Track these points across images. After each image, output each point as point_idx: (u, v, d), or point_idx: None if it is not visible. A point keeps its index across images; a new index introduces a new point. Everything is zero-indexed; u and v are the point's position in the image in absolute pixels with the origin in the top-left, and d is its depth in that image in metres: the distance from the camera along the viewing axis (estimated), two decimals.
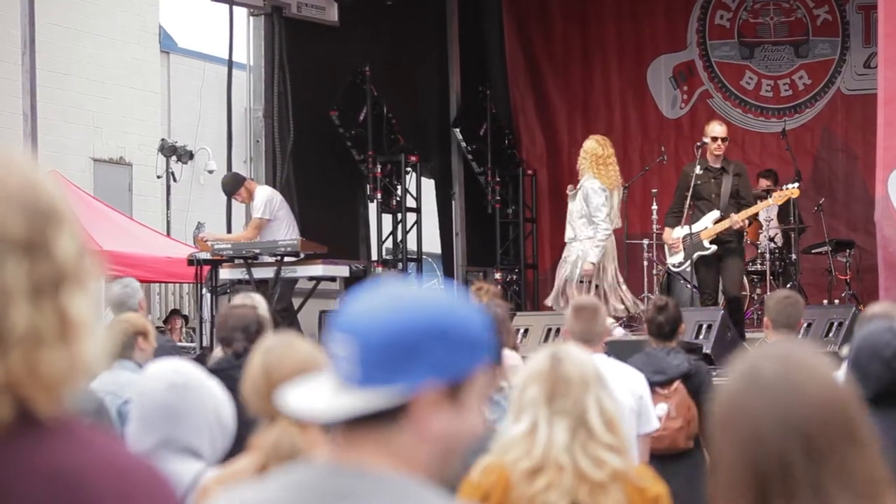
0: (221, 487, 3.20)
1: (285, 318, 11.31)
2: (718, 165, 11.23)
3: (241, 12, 13.83)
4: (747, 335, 11.04)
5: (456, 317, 1.81)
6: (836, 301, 13.00)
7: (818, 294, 13.57)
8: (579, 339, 5.90)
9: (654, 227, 12.87)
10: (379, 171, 14.12)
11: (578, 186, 11.74)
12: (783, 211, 13.24)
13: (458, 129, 15.69)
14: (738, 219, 11.03)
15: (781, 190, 11.95)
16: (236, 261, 11.66)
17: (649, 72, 15.93)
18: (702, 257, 11.26)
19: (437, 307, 1.81)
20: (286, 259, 11.42)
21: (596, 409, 3.61)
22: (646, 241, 13.02)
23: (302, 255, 11.43)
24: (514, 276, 15.38)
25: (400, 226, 14.44)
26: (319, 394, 1.81)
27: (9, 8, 15.42)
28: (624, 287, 11.70)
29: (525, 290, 15.25)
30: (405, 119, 14.71)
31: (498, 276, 15.02)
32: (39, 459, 1.44)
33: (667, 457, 6.68)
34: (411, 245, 14.51)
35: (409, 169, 14.39)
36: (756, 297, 12.54)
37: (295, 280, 11.69)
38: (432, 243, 15.91)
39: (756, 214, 11.85)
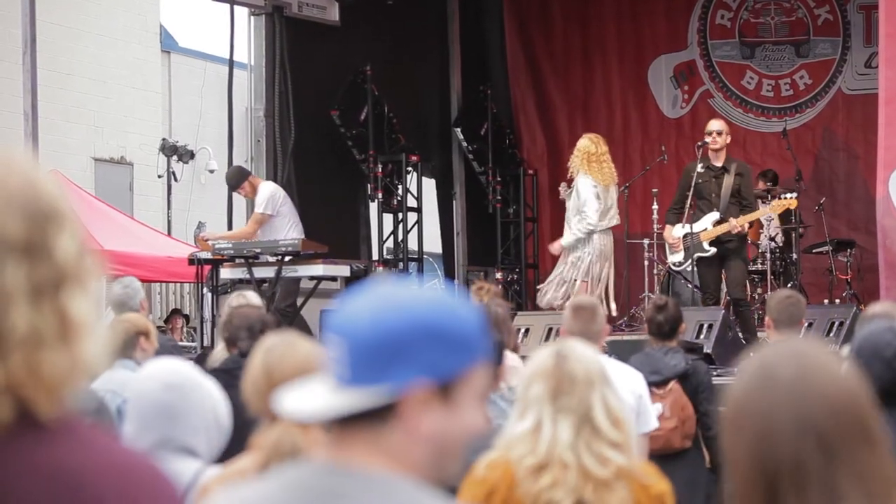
0: (222, 487, 3.20)
1: (287, 316, 11.31)
2: (720, 164, 11.22)
3: (242, 12, 13.83)
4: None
5: (446, 316, 1.81)
6: (837, 301, 12.99)
7: (819, 294, 13.57)
8: (577, 338, 5.89)
9: (655, 226, 12.87)
10: (380, 170, 14.12)
11: (572, 186, 11.77)
12: (784, 211, 13.22)
13: (458, 129, 15.69)
14: (736, 224, 11.01)
15: (781, 199, 11.92)
16: (237, 260, 11.66)
17: (650, 71, 15.92)
18: (703, 259, 11.26)
19: (426, 306, 1.81)
20: (287, 258, 11.42)
21: (601, 407, 3.60)
22: (646, 241, 13.01)
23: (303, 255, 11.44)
24: (515, 276, 15.38)
25: (401, 225, 14.44)
26: (313, 394, 1.82)
27: (10, 7, 15.42)
28: (611, 291, 11.68)
29: (526, 289, 15.24)
30: (406, 118, 14.71)
31: (499, 275, 15.02)
32: (40, 459, 1.44)
33: (663, 457, 6.68)
34: (412, 245, 14.52)
35: (409, 168, 14.39)
36: (757, 297, 12.54)
37: (299, 279, 11.69)
38: (433, 243, 15.91)
39: None
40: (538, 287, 12.79)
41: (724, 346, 10.27)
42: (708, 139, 11.20)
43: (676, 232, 11.41)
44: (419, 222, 14.58)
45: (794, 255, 12.87)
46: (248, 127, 15.23)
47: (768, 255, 12.61)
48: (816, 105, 15.37)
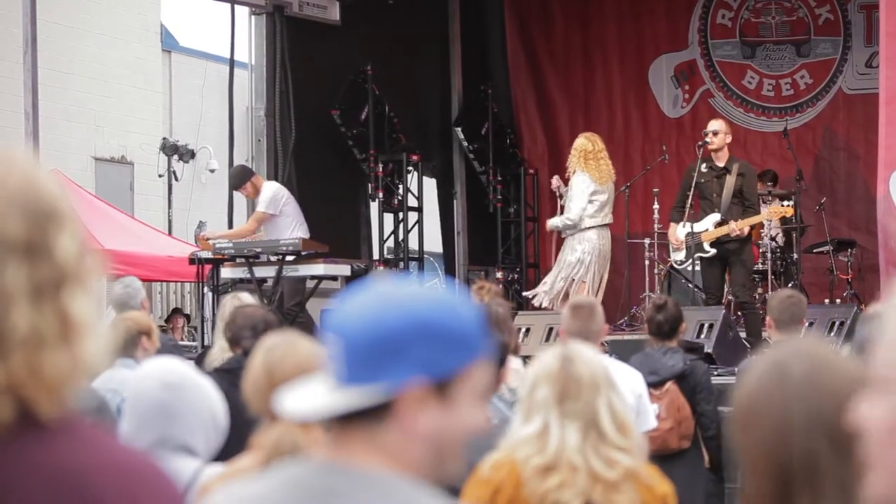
0: (222, 486, 3.20)
1: (291, 316, 11.29)
2: (722, 164, 11.22)
3: (242, 11, 13.83)
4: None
5: (442, 314, 1.81)
6: (838, 300, 12.99)
7: (820, 293, 13.56)
8: (576, 337, 5.90)
9: (656, 226, 12.87)
10: (380, 170, 14.12)
11: (569, 185, 11.80)
12: None
13: (459, 129, 15.69)
14: (735, 227, 11.01)
15: (781, 205, 11.90)
16: (238, 260, 11.65)
17: (651, 71, 15.92)
18: (706, 259, 11.26)
19: (423, 305, 1.81)
20: (287, 258, 11.42)
21: (607, 412, 3.61)
22: (647, 241, 13.02)
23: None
24: (516, 276, 15.38)
25: (401, 225, 14.44)
26: (312, 394, 1.82)
27: (10, 6, 15.43)
28: (601, 291, 11.68)
29: (526, 289, 15.22)
30: (407, 118, 14.71)
31: (499, 275, 15.02)
32: (41, 459, 1.44)
33: (663, 457, 6.68)
34: (413, 244, 14.52)
35: (410, 168, 14.39)
36: (758, 297, 12.54)
37: (305, 278, 11.67)
38: (434, 242, 15.91)
39: None
40: (528, 293, 12.78)
41: (725, 346, 10.26)
42: (706, 139, 11.22)
43: (680, 231, 11.42)
44: (420, 222, 14.58)
45: (795, 255, 12.88)
46: (248, 126, 15.22)
47: (769, 255, 12.61)
48: (817, 105, 15.37)
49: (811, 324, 10.11)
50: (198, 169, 22.48)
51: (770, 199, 12.60)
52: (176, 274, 15.81)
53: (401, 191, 14.38)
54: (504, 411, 4.71)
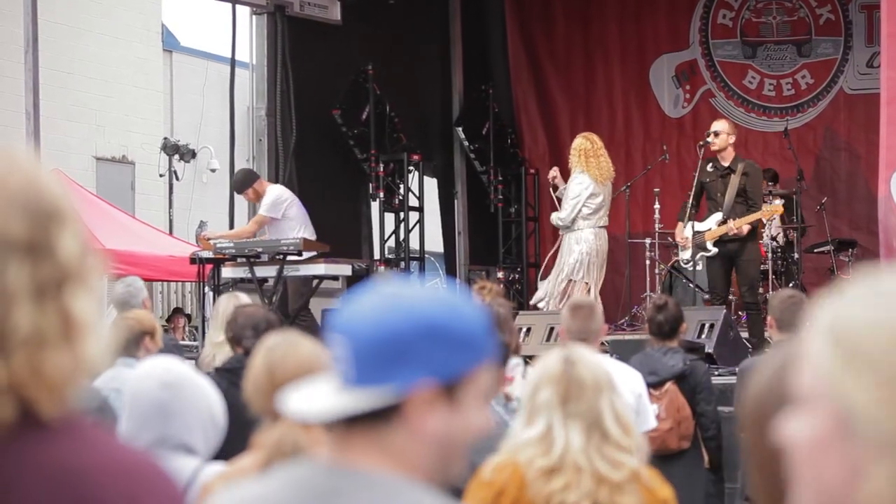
0: (224, 485, 3.21)
1: (294, 318, 11.27)
2: (727, 164, 11.23)
3: (243, 11, 13.83)
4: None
5: (450, 316, 1.81)
6: None
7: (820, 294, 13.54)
8: (576, 337, 5.90)
9: (657, 226, 12.88)
10: (381, 169, 14.12)
11: (567, 184, 11.82)
12: (786, 210, 13.23)
13: (460, 128, 15.69)
14: (733, 226, 11.02)
15: (770, 204, 11.90)
16: (238, 259, 11.65)
17: (651, 71, 15.92)
18: (712, 258, 11.27)
19: (431, 306, 1.81)
20: (288, 258, 11.41)
21: (610, 413, 3.62)
22: (648, 241, 13.02)
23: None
24: (517, 276, 15.39)
25: (402, 224, 14.44)
26: (318, 395, 1.81)
27: (12, 6, 15.43)
28: (596, 291, 11.68)
29: (527, 289, 15.23)
30: (408, 118, 14.71)
31: (500, 275, 15.02)
32: (43, 459, 1.44)
33: (663, 457, 6.68)
34: (414, 244, 14.52)
35: (411, 168, 14.39)
36: (759, 297, 12.53)
37: (310, 279, 11.65)
38: (435, 242, 15.91)
39: None
40: (533, 302, 12.78)
41: (726, 346, 10.26)
42: (708, 139, 11.24)
43: (687, 231, 11.45)
44: (421, 221, 14.58)
45: (796, 255, 12.88)
46: (249, 126, 15.23)
47: (770, 255, 12.62)
48: (818, 105, 15.37)
49: None
50: (199, 169, 22.49)
51: (771, 198, 12.60)
52: (177, 274, 15.81)
53: (402, 190, 14.38)
54: (500, 414, 4.71)
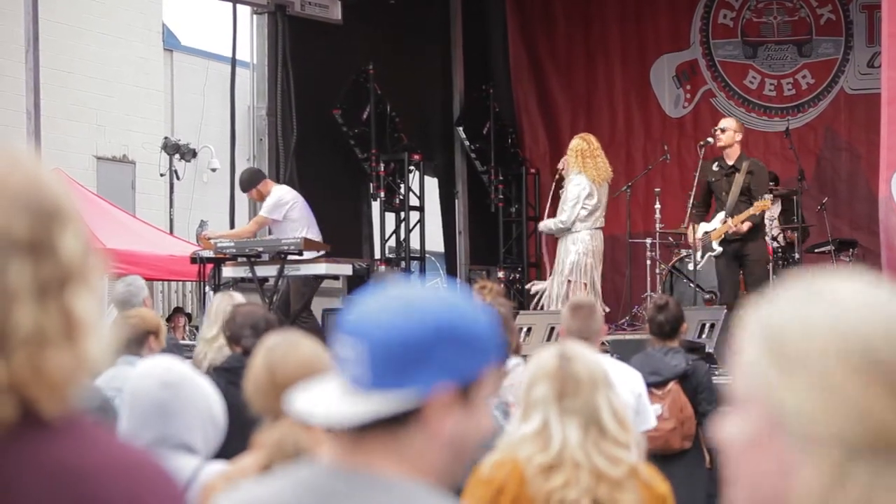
0: (227, 485, 3.21)
1: (297, 319, 11.26)
2: (732, 163, 11.25)
3: (244, 10, 13.84)
4: None
5: (465, 318, 1.81)
6: None
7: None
8: (576, 336, 5.90)
9: (657, 226, 12.88)
10: (382, 169, 14.12)
11: (564, 186, 11.83)
12: (786, 210, 13.24)
13: (461, 128, 15.69)
14: (732, 224, 11.03)
15: (762, 199, 11.93)
16: (239, 259, 11.65)
17: (652, 71, 15.92)
18: (720, 258, 11.29)
19: (447, 309, 1.81)
20: (289, 257, 11.41)
21: (607, 408, 3.62)
22: (648, 240, 13.03)
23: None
24: (517, 275, 15.39)
25: (403, 224, 14.44)
26: (328, 397, 1.80)
27: (12, 5, 15.43)
28: (595, 291, 11.68)
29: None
30: (408, 117, 14.71)
31: (501, 274, 15.03)
32: (44, 458, 1.44)
33: (663, 457, 6.68)
34: (414, 244, 14.52)
35: (412, 167, 14.39)
36: None
37: (312, 279, 11.64)
38: (435, 242, 15.91)
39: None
40: (529, 286, 12.81)
41: (727, 346, 10.25)
42: (714, 134, 11.30)
43: (699, 232, 11.48)
44: (421, 221, 14.59)
45: (797, 255, 12.87)
46: (250, 125, 15.22)
47: (770, 255, 12.62)
48: (819, 105, 15.37)
49: None
50: (199, 168, 22.49)
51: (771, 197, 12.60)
52: (177, 273, 15.81)
53: (402, 190, 14.38)
54: (496, 413, 4.72)
